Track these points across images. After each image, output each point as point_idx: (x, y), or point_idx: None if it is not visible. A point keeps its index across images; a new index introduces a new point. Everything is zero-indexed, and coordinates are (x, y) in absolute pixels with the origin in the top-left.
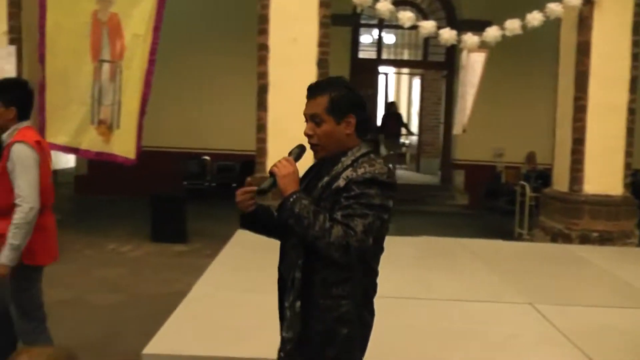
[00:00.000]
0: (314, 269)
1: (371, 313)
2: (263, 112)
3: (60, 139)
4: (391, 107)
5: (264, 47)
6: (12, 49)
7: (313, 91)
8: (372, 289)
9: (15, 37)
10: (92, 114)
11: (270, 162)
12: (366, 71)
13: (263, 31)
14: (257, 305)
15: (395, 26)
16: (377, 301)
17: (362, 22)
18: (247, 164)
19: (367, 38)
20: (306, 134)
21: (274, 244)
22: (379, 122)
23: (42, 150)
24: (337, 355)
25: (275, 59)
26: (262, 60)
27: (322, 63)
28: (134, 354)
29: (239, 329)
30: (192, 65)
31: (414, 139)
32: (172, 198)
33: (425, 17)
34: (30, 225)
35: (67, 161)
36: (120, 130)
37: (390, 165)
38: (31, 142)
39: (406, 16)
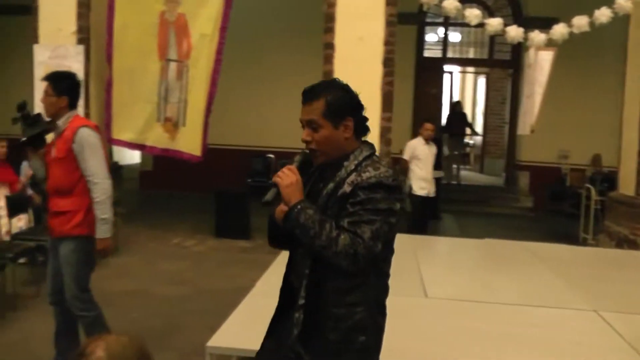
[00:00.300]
0: (325, 277)
1: (384, 316)
2: None
3: (126, 135)
4: (456, 107)
5: (329, 46)
6: (81, 48)
7: (308, 96)
8: (384, 292)
9: (83, 37)
10: (158, 111)
11: None
12: (431, 70)
13: (329, 30)
14: None
15: (461, 24)
16: (439, 303)
17: (428, 20)
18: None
19: (432, 36)
20: (304, 140)
21: None
22: (443, 122)
23: (100, 133)
24: None
25: (341, 57)
26: (328, 59)
27: (387, 62)
28: (195, 347)
29: None
30: (257, 64)
31: (479, 139)
32: (237, 195)
33: (492, 15)
34: (111, 198)
35: (132, 157)
36: (186, 128)
37: (454, 166)
38: (92, 125)
39: (473, 14)
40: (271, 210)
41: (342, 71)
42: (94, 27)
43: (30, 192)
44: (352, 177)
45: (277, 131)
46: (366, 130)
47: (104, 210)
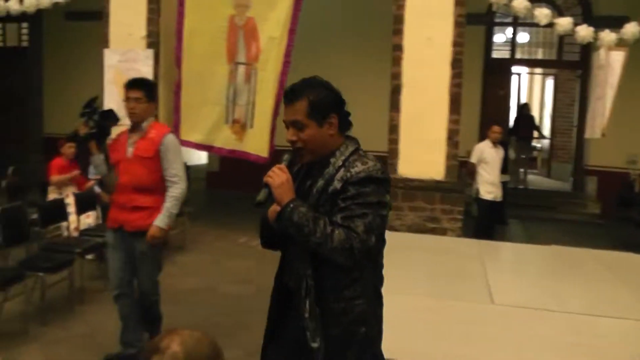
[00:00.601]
0: (322, 275)
1: (382, 305)
2: (396, 112)
3: (194, 136)
4: (524, 109)
5: (398, 48)
6: (150, 52)
7: (290, 97)
8: (380, 282)
9: (153, 41)
10: (226, 113)
11: (401, 164)
12: (499, 71)
13: (398, 31)
14: (386, 305)
15: (529, 24)
16: (506, 310)
17: (496, 20)
18: None
19: (500, 37)
20: (289, 141)
21: (405, 244)
22: (510, 124)
23: None
24: (359, 356)
25: (409, 59)
26: (396, 60)
27: (456, 63)
28: (260, 346)
29: None
30: (324, 66)
31: (546, 142)
32: None
33: (561, 14)
34: (184, 198)
35: (199, 158)
36: (254, 130)
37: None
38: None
39: (543, 13)
40: (262, 212)
41: (410, 73)
42: (164, 31)
43: (98, 190)
44: (341, 173)
45: None
46: (349, 125)
47: (175, 206)
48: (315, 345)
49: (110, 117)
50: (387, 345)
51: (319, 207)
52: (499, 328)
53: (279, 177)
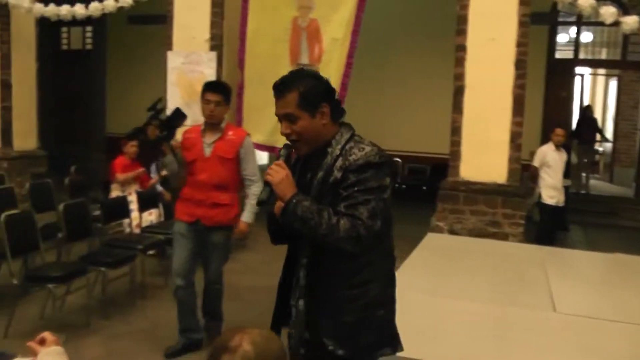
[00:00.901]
0: (330, 263)
1: (394, 286)
2: (458, 114)
3: (256, 137)
4: (586, 111)
5: (461, 48)
6: (213, 54)
7: (280, 89)
8: (392, 264)
9: (216, 44)
10: None
11: (463, 166)
12: (562, 72)
13: (461, 32)
14: (447, 310)
15: (593, 23)
16: (568, 319)
17: (560, 19)
18: (437, 167)
19: (563, 37)
20: (283, 134)
21: (466, 249)
22: (573, 127)
23: None
24: (378, 339)
25: (473, 60)
26: (459, 61)
27: (519, 64)
28: None
29: (427, 332)
30: (384, 67)
31: (608, 146)
32: None
33: (627, 12)
34: None
35: (260, 158)
36: None
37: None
38: None
39: (609, 12)
40: (269, 209)
41: (473, 74)
42: (227, 34)
43: (160, 189)
44: (340, 162)
45: (404, 135)
46: (341, 112)
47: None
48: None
49: (179, 117)
50: (449, 351)
51: (321, 198)
52: (560, 337)
53: (278, 173)
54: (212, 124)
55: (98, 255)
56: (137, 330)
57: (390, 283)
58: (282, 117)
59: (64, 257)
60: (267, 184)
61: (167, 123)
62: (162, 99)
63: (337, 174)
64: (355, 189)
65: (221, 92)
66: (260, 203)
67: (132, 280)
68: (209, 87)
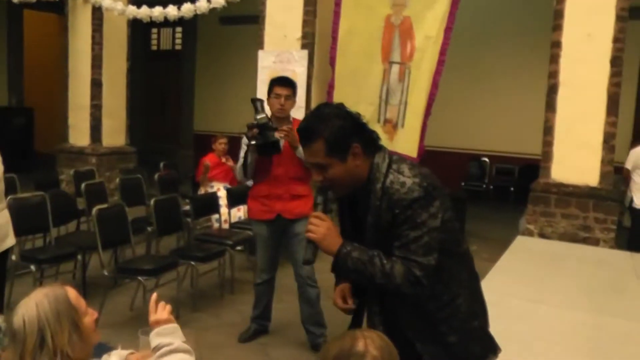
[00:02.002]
0: (410, 299)
1: (478, 281)
2: (551, 113)
3: None
4: None
5: (556, 44)
6: (304, 53)
7: (304, 137)
8: (470, 265)
9: (308, 42)
10: (379, 113)
11: (555, 168)
12: None
13: (557, 27)
14: (543, 318)
15: None
16: None
17: None
18: (526, 168)
19: None
20: (316, 181)
21: (557, 253)
22: None
23: None
24: (482, 349)
25: (568, 56)
26: (554, 58)
27: (616, 61)
28: None
29: (523, 340)
30: (475, 65)
31: None
32: (453, 198)
33: None
34: None
35: None
36: (405, 129)
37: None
38: None
39: None
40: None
41: (568, 71)
42: (319, 32)
43: (250, 183)
44: (385, 202)
45: (493, 134)
46: (375, 144)
47: None
48: None
49: (274, 148)
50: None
51: (379, 244)
52: None
53: (320, 227)
54: (281, 118)
55: (189, 249)
56: (226, 323)
57: (475, 291)
58: (312, 166)
59: (153, 251)
60: (309, 241)
61: (262, 149)
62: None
63: (387, 216)
64: (405, 227)
65: (290, 86)
66: (306, 262)
67: (221, 275)
68: (277, 81)
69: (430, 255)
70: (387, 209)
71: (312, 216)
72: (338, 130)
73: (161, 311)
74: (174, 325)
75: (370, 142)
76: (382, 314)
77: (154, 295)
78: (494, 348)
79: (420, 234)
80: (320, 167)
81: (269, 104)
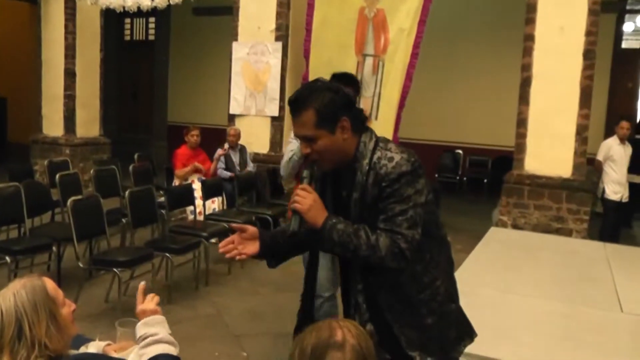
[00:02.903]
0: (392, 277)
1: (452, 265)
2: (525, 105)
3: None
4: None
5: (529, 38)
6: (279, 45)
7: (295, 107)
8: (448, 249)
9: (282, 34)
10: None
11: (528, 160)
12: (628, 63)
13: (530, 20)
14: (515, 307)
15: None
16: (634, 320)
17: (628, 7)
18: (499, 160)
19: (629, 26)
20: (304, 154)
21: (530, 244)
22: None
23: None
24: (458, 332)
25: (541, 49)
26: (527, 51)
27: (588, 54)
28: None
29: (497, 329)
30: (449, 57)
31: None
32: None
33: None
34: None
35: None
36: (379, 122)
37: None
38: None
39: None
40: (300, 236)
41: (541, 64)
42: (293, 24)
43: (227, 174)
44: (372, 177)
45: (467, 126)
46: (363, 122)
47: None
48: None
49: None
50: (518, 349)
51: (363, 218)
52: (628, 339)
53: (305, 199)
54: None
55: (163, 241)
56: (201, 315)
57: (451, 274)
58: (301, 138)
59: (128, 242)
60: (295, 212)
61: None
62: None
63: (373, 191)
64: (391, 200)
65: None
66: (292, 234)
67: (196, 267)
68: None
69: (414, 229)
70: (373, 183)
71: (298, 188)
72: (329, 101)
73: (149, 302)
74: (162, 317)
75: (358, 119)
76: (364, 291)
77: (142, 285)
78: (469, 333)
79: (405, 207)
80: (309, 140)
81: None
